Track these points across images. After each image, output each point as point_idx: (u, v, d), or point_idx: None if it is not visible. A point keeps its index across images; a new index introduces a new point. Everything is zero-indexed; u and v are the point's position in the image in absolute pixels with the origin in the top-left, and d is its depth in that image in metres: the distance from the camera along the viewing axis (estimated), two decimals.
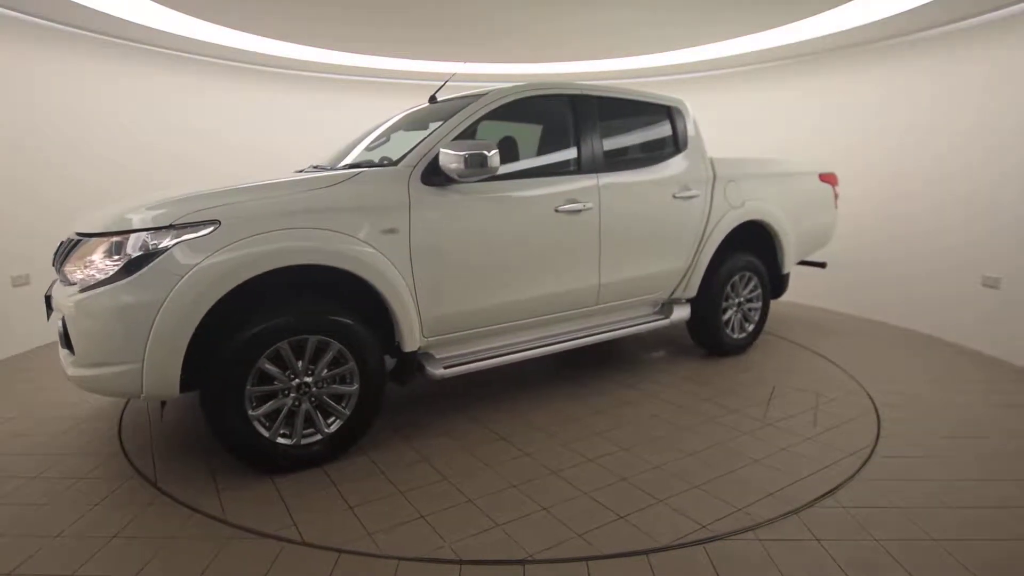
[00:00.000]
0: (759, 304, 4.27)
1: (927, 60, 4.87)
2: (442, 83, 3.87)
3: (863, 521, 2.16)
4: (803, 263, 4.83)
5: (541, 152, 3.52)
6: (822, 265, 4.87)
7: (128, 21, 4.69)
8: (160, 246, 2.25)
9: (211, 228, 2.31)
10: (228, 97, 6.19)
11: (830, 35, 5.13)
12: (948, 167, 4.72)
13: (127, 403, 3.37)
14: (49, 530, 2.12)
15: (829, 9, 4.51)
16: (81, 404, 3.36)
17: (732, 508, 2.25)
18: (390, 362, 2.87)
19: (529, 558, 1.96)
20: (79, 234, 2.46)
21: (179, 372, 2.27)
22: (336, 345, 2.55)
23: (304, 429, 2.57)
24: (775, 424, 3.00)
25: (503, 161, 3.42)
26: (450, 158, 2.67)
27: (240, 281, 2.32)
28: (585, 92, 3.41)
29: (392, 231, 2.64)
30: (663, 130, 3.80)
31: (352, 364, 2.60)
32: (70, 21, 4.65)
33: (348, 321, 2.56)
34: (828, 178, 4.69)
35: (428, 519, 2.21)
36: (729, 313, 4.11)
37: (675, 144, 3.79)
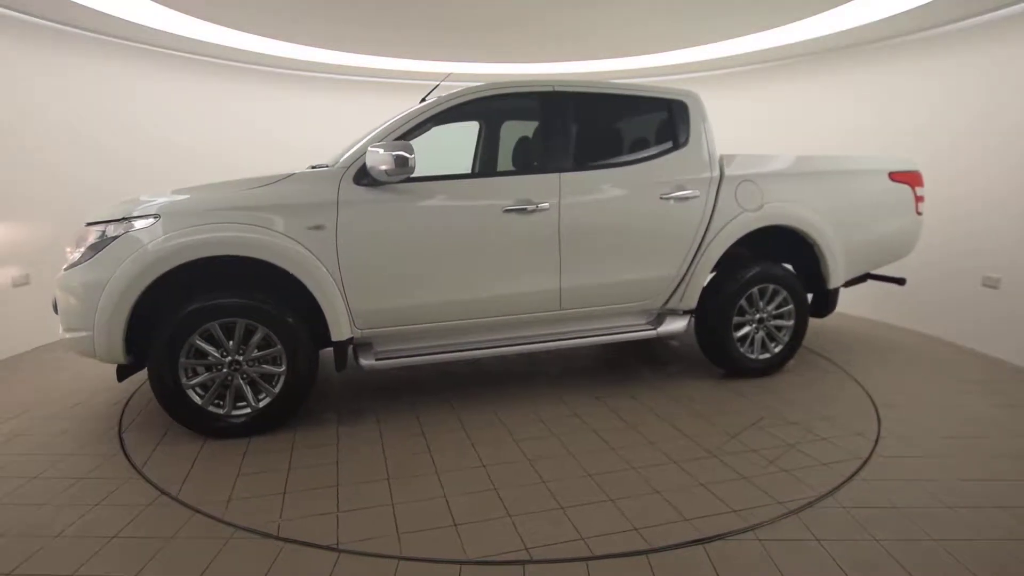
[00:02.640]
0: (790, 322, 3.67)
1: (928, 60, 4.87)
2: (436, 84, 3.87)
3: (863, 521, 2.16)
4: (875, 278, 4.22)
5: (502, 152, 3.49)
6: (900, 281, 4.16)
7: (128, 21, 4.69)
8: (114, 235, 2.71)
9: (152, 221, 2.72)
10: (228, 97, 6.19)
11: (831, 35, 5.13)
12: (948, 167, 4.71)
13: (127, 403, 3.37)
14: (49, 530, 2.13)
15: (832, 8, 4.50)
16: (81, 404, 3.36)
17: (568, 538, 2.07)
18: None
19: (529, 558, 1.96)
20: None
21: (121, 341, 2.69)
22: (262, 329, 2.81)
23: (238, 402, 2.88)
24: (722, 457, 2.67)
25: (516, 162, 3.40)
26: (374, 159, 2.79)
27: (169, 267, 2.67)
28: (557, 89, 3.26)
29: (319, 227, 2.83)
30: (657, 126, 3.51)
31: (279, 347, 2.85)
32: (70, 21, 4.65)
33: (267, 307, 2.80)
34: (904, 177, 3.95)
35: (286, 496, 2.38)
36: (746, 330, 3.61)
37: (672, 141, 3.45)
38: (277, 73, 6.52)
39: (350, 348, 3.05)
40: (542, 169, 3.20)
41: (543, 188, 3.14)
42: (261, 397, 2.90)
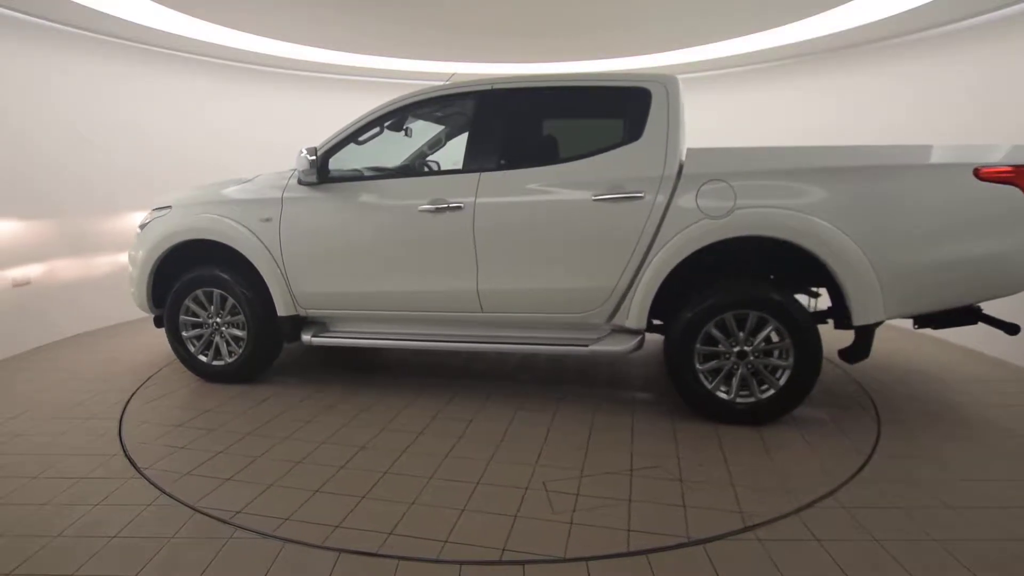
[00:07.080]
0: (787, 361, 2.87)
1: (927, 60, 4.87)
2: (438, 85, 3.87)
3: (863, 521, 2.16)
4: (985, 320, 3.11)
5: (432, 153, 3.71)
6: (1012, 329, 3.02)
7: (129, 21, 4.69)
8: (149, 220, 3.73)
9: (166, 211, 3.65)
10: (228, 97, 6.19)
11: (829, 36, 5.13)
12: None
13: (127, 404, 3.38)
14: (49, 530, 2.13)
15: (831, 8, 4.50)
16: (81, 404, 3.37)
17: (276, 515, 2.20)
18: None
19: (530, 559, 1.96)
20: None
21: (147, 297, 3.70)
22: (231, 300, 3.53)
23: (217, 356, 3.66)
24: (534, 490, 2.39)
25: (535, 161, 3.22)
26: (298, 163, 3.23)
27: (169, 246, 3.55)
28: (495, 87, 3.22)
29: (268, 220, 3.40)
30: (607, 119, 3.24)
31: (242, 316, 3.53)
32: (70, 21, 4.66)
33: (227, 281, 3.48)
34: (1006, 175, 2.72)
35: (169, 431, 3.01)
36: (718, 364, 2.95)
37: (621, 134, 3.05)
38: (280, 73, 6.53)
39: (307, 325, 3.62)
40: (465, 169, 3.20)
41: (461, 188, 3.13)
42: (232, 354, 3.62)
